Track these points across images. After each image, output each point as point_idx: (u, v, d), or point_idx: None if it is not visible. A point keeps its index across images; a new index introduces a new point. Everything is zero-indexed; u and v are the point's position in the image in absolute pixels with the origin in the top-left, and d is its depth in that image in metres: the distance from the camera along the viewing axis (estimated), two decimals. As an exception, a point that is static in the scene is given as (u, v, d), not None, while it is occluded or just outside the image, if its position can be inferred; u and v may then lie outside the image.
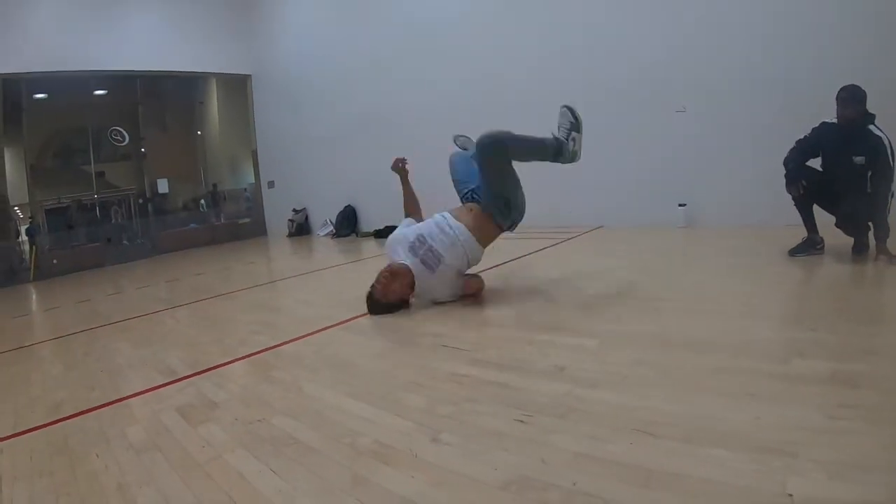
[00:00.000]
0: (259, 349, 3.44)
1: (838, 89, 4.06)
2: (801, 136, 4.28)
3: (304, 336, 3.62)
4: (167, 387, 2.94)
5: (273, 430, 2.15)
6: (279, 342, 3.54)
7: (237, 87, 15.40)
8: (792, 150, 4.30)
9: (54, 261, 12.05)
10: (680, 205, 6.27)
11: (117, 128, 14.36)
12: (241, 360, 3.26)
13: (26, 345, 4.90)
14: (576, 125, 3.83)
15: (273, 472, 1.80)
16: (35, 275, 11.60)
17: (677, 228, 6.20)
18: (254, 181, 15.64)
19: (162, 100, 16.01)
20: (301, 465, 1.83)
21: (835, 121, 4.11)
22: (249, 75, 14.86)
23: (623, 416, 1.84)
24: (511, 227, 4.14)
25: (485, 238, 4.02)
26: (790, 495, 1.29)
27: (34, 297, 9.14)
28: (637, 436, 1.69)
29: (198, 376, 3.05)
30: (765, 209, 5.57)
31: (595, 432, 1.75)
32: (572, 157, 3.91)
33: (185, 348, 3.87)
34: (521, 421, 1.90)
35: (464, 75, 8.84)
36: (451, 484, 1.57)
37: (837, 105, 4.08)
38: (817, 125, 4.23)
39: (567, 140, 3.84)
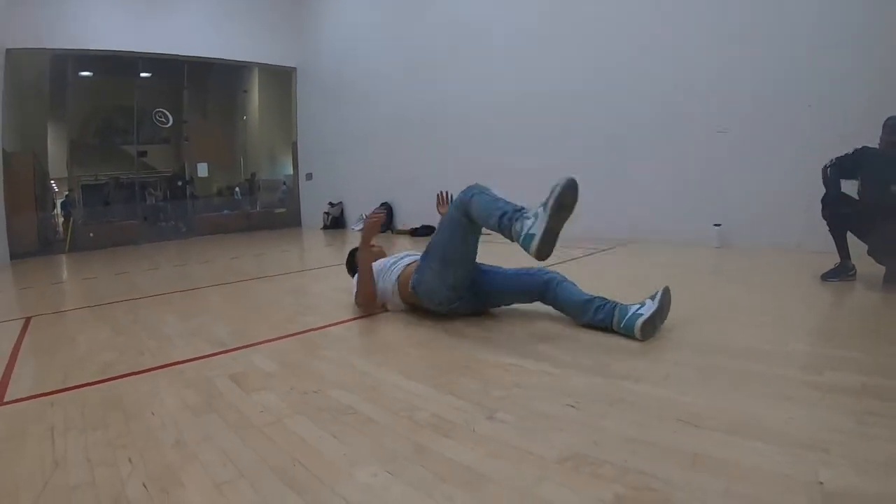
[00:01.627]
0: (306, 328, 3.54)
1: (886, 118, 4.10)
2: (842, 154, 4.33)
3: (348, 320, 3.71)
4: (218, 356, 3.03)
5: (330, 401, 2.22)
6: (326, 323, 3.65)
7: (282, 79, 15.63)
8: (833, 166, 4.31)
9: (91, 234, 12.28)
10: (715, 225, 6.32)
11: (162, 109, 14.60)
12: (290, 338, 3.36)
13: (66, 310, 5.06)
14: (548, 204, 2.73)
15: (334, 438, 1.87)
16: (70, 246, 11.84)
17: (712, 248, 6.25)
18: (292, 173, 15.80)
19: (207, 86, 16.24)
20: (362, 434, 1.90)
21: (877, 147, 4.15)
22: (295, 68, 15.08)
23: (667, 408, 1.92)
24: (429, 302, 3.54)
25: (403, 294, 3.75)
26: (821, 483, 1.40)
27: (69, 266, 9.32)
28: (681, 425, 1.78)
29: (248, 349, 3.15)
30: (799, 232, 5.63)
31: (641, 420, 1.85)
32: (523, 243, 2.80)
33: (232, 323, 4.01)
34: (572, 406, 1.99)
35: (506, 85, 8.96)
36: (510, 456, 1.66)
37: (883, 132, 4.10)
38: (859, 147, 4.24)
39: (525, 217, 2.83)
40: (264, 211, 15.85)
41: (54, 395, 2.52)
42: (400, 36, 11.42)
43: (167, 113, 14.69)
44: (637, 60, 7.26)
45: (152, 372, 2.82)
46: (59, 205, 13.82)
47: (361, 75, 12.46)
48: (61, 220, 13.49)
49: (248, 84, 16.90)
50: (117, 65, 13.90)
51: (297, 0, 14.70)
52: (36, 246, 11.31)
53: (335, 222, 13.38)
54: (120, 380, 2.71)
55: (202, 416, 2.16)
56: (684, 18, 6.81)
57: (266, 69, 15.97)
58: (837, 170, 4.30)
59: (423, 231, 9.94)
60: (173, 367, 2.89)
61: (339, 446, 1.82)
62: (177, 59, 13.98)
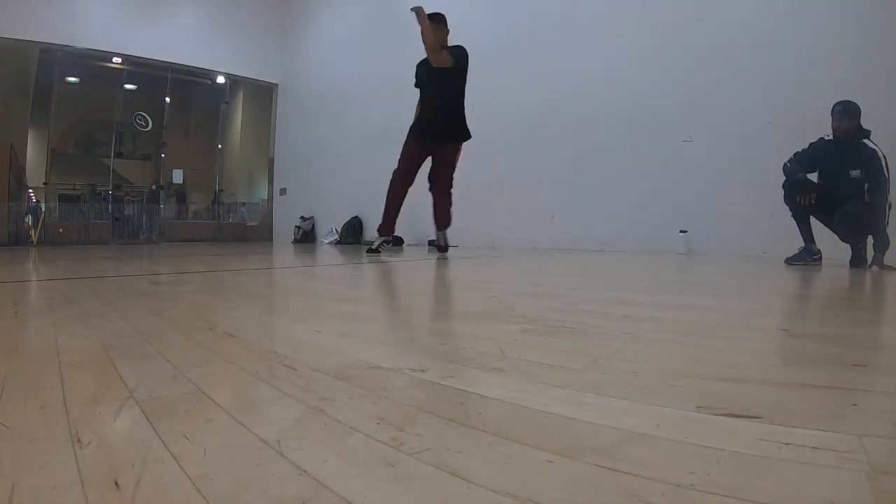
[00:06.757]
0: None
1: (833, 104, 4.28)
2: (799, 150, 4.44)
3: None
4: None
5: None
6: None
7: (263, 96, 15.70)
8: (791, 161, 4.47)
9: (60, 230, 12.09)
10: (681, 231, 6.29)
11: (142, 112, 14.62)
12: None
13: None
14: None
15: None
16: (38, 240, 11.61)
17: (677, 254, 6.19)
18: (266, 191, 15.88)
19: (188, 100, 16.28)
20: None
21: (830, 137, 4.29)
22: (276, 84, 15.19)
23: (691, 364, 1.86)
24: None
25: None
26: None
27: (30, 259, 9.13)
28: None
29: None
30: (764, 239, 5.67)
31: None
32: None
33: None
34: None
35: (476, 106, 9.00)
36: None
37: (833, 119, 4.26)
38: (815, 140, 4.41)
39: None
40: (236, 223, 15.80)
41: None
42: (375, 59, 11.62)
43: (147, 116, 14.64)
44: (604, 79, 7.44)
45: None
46: (28, 210, 13.56)
47: (339, 93, 12.56)
48: (30, 216, 13.23)
49: (229, 98, 16.86)
50: (102, 75, 13.90)
51: (282, 19, 14.94)
52: (4, 238, 10.99)
53: (305, 236, 13.28)
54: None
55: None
56: (653, 36, 7.01)
57: (249, 85, 15.99)
58: (796, 164, 4.44)
59: (394, 242, 9.82)
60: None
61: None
62: (160, 69, 14.01)
